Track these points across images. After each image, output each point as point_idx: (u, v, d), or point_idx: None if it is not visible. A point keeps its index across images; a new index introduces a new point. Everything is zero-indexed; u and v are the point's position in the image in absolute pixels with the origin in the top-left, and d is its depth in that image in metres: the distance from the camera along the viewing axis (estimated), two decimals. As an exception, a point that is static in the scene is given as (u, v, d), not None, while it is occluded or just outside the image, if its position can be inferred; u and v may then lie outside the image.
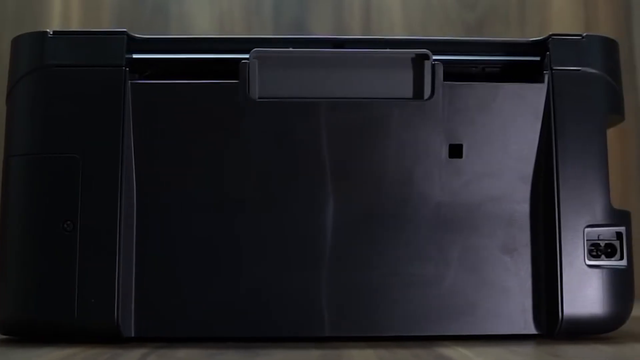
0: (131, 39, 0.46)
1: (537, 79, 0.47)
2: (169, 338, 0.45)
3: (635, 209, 0.85)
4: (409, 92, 0.46)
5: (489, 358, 0.38)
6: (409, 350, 0.41)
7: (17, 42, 0.47)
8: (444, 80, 0.46)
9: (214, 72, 0.46)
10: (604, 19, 0.83)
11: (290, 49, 0.46)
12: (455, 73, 0.47)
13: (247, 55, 0.46)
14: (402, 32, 0.84)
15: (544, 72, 0.47)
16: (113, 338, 0.44)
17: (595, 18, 0.83)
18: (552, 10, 0.84)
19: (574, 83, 0.46)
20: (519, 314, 0.46)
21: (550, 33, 0.47)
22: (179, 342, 0.44)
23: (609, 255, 0.46)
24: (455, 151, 0.46)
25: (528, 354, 0.39)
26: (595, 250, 0.46)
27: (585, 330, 0.45)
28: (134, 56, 0.46)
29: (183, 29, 0.82)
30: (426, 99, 0.46)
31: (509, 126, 0.46)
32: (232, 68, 0.46)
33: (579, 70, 0.47)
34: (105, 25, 0.80)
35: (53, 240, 0.44)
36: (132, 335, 0.44)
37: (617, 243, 0.46)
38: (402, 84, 0.46)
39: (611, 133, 0.80)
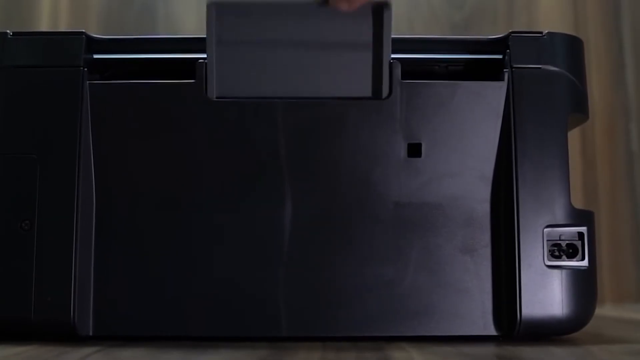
0: (90, 39, 0.46)
1: (498, 77, 0.46)
2: (128, 337, 0.45)
3: (624, 206, 0.84)
4: (367, 91, 0.46)
5: (434, 358, 0.38)
6: (358, 351, 0.41)
7: (-23, 43, 0.48)
8: (405, 78, 0.46)
9: (173, 72, 0.46)
10: (592, 17, 0.82)
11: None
12: (419, 72, 0.47)
13: (205, 55, 0.46)
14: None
15: (504, 70, 0.46)
16: (69, 336, 0.44)
17: (584, 16, 0.82)
18: (540, 9, 0.83)
19: (535, 81, 0.46)
20: (479, 315, 0.45)
21: (511, 30, 0.47)
22: (137, 341, 0.44)
23: (571, 255, 0.45)
24: (414, 150, 0.46)
25: (474, 354, 0.39)
26: (557, 250, 0.45)
27: (545, 332, 0.45)
28: (94, 56, 0.47)
29: (170, 29, 0.82)
30: (384, 98, 0.46)
31: (469, 125, 0.46)
32: (190, 67, 0.46)
33: (539, 68, 0.46)
34: (93, 26, 0.81)
35: (10, 240, 0.44)
36: (90, 334, 0.44)
37: (578, 243, 0.45)
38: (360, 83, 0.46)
39: (599, 131, 0.79)
